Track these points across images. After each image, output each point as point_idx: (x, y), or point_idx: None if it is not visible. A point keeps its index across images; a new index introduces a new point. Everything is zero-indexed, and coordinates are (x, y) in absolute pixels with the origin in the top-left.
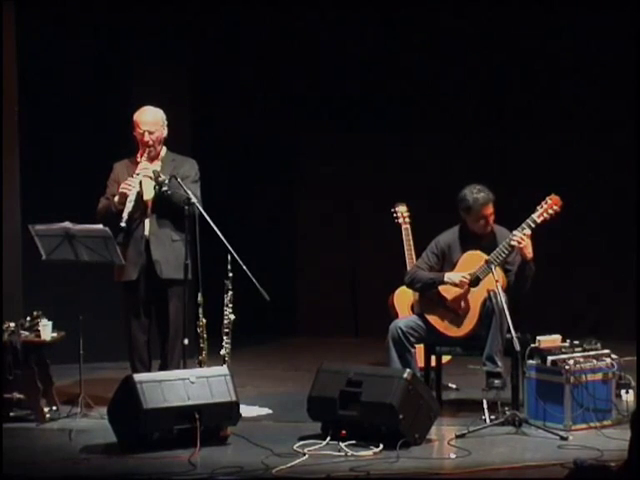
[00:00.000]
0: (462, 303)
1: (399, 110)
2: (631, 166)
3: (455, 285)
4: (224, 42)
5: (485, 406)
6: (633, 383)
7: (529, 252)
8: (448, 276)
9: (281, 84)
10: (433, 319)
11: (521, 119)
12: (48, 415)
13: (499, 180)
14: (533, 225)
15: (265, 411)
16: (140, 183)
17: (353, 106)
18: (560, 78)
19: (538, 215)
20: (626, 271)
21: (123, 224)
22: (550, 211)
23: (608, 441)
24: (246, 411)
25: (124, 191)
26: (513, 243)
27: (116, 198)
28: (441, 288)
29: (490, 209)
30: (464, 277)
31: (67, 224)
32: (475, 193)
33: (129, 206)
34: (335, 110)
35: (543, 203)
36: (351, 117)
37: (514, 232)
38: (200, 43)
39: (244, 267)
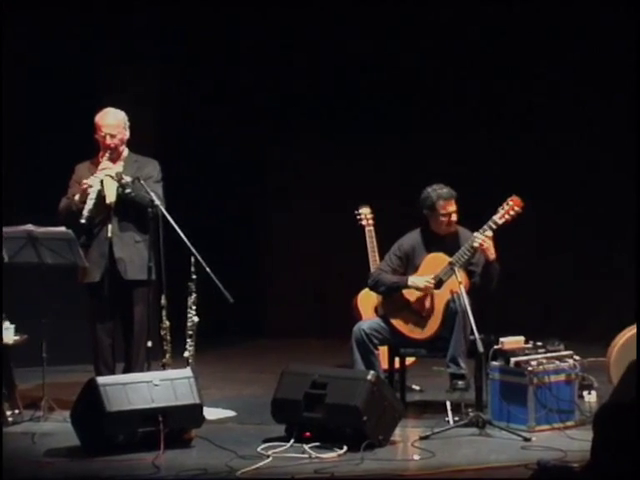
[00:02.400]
0: (425, 305)
1: (363, 114)
2: (600, 169)
3: (419, 290)
4: (191, 43)
5: (449, 407)
6: (596, 384)
7: (492, 253)
8: (412, 280)
9: (250, 86)
10: (397, 322)
11: (484, 121)
12: (11, 419)
13: (463, 181)
14: (494, 226)
15: (229, 413)
16: (102, 184)
17: (321, 112)
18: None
19: (499, 216)
20: (591, 273)
21: (83, 220)
22: (511, 212)
23: (571, 442)
24: (210, 413)
25: (85, 187)
26: (475, 245)
27: (77, 197)
28: (405, 291)
29: (453, 206)
30: (428, 282)
31: (29, 227)
32: (438, 190)
33: (90, 204)
34: (303, 115)
35: (504, 204)
36: (319, 123)
37: (475, 234)
38: (166, 44)
39: (207, 269)
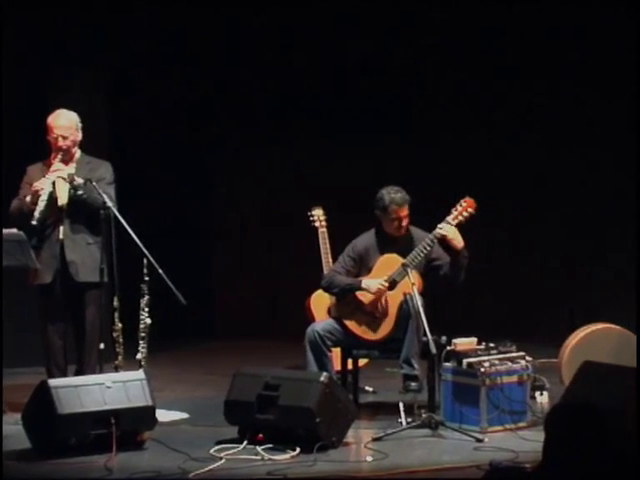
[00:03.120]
0: (379, 307)
1: (315, 116)
2: (553, 170)
3: (372, 292)
4: (144, 45)
5: (402, 409)
6: (548, 385)
7: (459, 241)
8: (365, 283)
9: (201, 89)
10: (350, 323)
11: (433, 122)
12: None
13: (417, 183)
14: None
15: (182, 415)
16: (54, 186)
17: (272, 113)
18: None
19: (453, 217)
20: (543, 274)
21: (34, 222)
22: (465, 213)
23: (523, 443)
24: (163, 415)
25: (36, 188)
26: (438, 235)
27: (28, 198)
28: (358, 292)
29: (406, 211)
30: (381, 284)
31: None
32: (392, 193)
33: (41, 205)
34: (255, 116)
35: (458, 206)
36: (270, 123)
37: (428, 237)
38: (119, 46)
39: (160, 271)
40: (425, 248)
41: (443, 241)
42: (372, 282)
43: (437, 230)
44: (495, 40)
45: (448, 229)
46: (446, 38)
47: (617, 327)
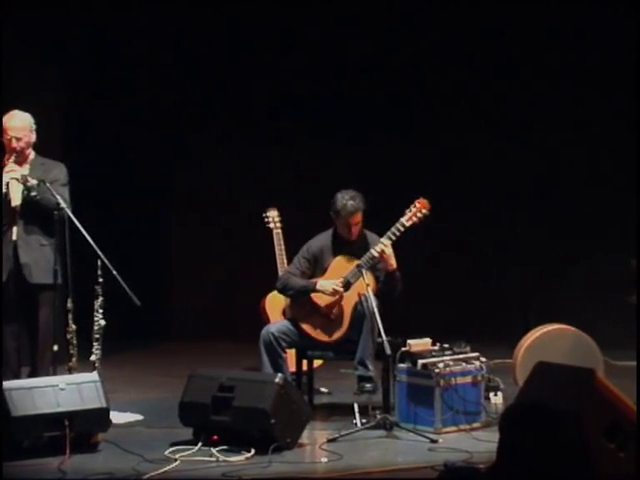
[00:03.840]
0: (333, 308)
1: (269, 118)
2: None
3: (327, 294)
4: (100, 47)
5: (357, 410)
6: (502, 385)
7: (392, 263)
8: (321, 284)
9: (158, 91)
10: (305, 325)
11: (385, 123)
12: None
13: (373, 183)
14: (402, 229)
15: (136, 417)
16: (7, 187)
17: (226, 116)
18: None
19: (407, 219)
20: (498, 275)
21: None
22: (419, 214)
23: (477, 443)
24: (117, 417)
25: None
26: (375, 254)
27: None
28: (313, 294)
29: (357, 219)
30: (336, 285)
31: None
32: (346, 200)
33: None
34: (209, 119)
35: (412, 207)
36: (225, 123)
37: (381, 240)
38: (75, 47)
39: (114, 272)
40: (377, 252)
41: (381, 257)
42: (327, 284)
43: (375, 246)
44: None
45: (387, 248)
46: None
47: (571, 328)
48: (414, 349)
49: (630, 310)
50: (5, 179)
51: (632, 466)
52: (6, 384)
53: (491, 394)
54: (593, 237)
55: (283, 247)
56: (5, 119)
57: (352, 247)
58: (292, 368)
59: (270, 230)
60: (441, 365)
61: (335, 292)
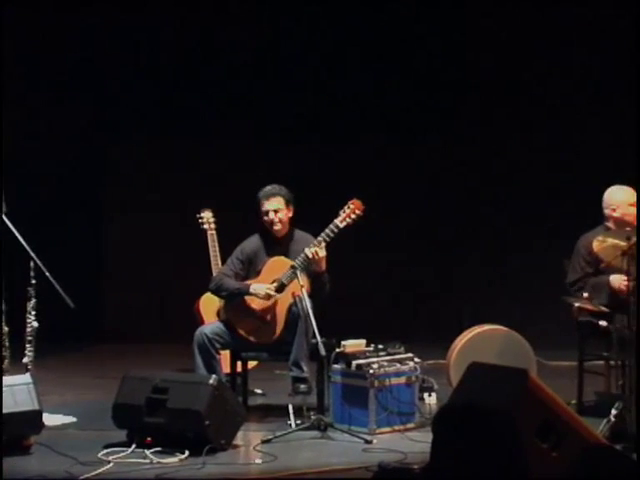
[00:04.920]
0: (268, 309)
1: (203, 118)
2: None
3: (260, 298)
4: (27, 43)
5: (291, 411)
6: (436, 386)
7: (322, 265)
8: (254, 287)
9: (89, 88)
10: (239, 326)
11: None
12: None
13: (307, 184)
14: (336, 230)
15: (69, 419)
16: None
17: (160, 113)
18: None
19: (341, 220)
20: (431, 275)
21: None
22: (353, 216)
23: (412, 444)
24: (50, 420)
25: None
26: (309, 255)
27: None
28: (247, 296)
29: (274, 204)
30: (269, 289)
31: None
32: (267, 187)
33: None
34: (145, 116)
35: (345, 208)
36: (160, 124)
37: (315, 241)
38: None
39: (47, 274)
40: (313, 254)
41: (314, 258)
42: (260, 287)
43: (308, 247)
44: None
45: (320, 250)
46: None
47: (504, 328)
48: (348, 350)
49: (564, 310)
50: None
51: (565, 466)
52: None
53: (425, 395)
54: (527, 238)
55: (217, 248)
56: None
57: (284, 247)
58: (226, 369)
59: (204, 231)
60: (375, 366)
61: (268, 296)
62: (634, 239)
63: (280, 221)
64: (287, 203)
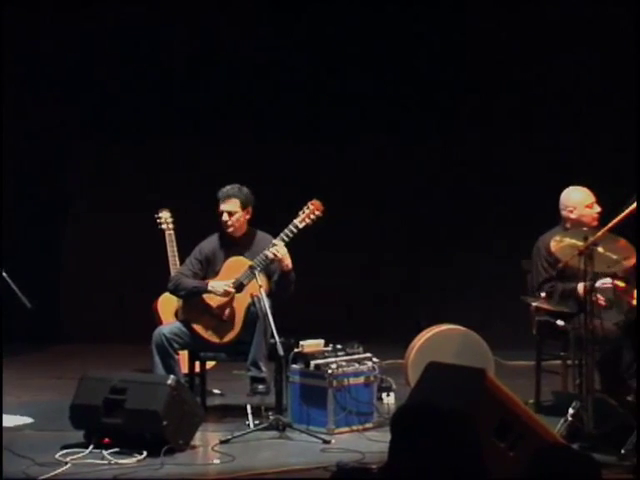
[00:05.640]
0: (226, 309)
1: (161, 117)
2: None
3: (219, 295)
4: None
5: (249, 411)
6: (394, 386)
7: (287, 264)
8: (212, 285)
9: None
10: (197, 326)
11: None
12: None
13: (268, 184)
14: (295, 230)
15: (26, 420)
16: None
17: (119, 114)
18: None
19: (300, 220)
20: (389, 275)
21: None
22: (312, 216)
23: (370, 444)
24: (7, 420)
25: None
26: (269, 255)
27: None
28: (205, 295)
29: (228, 205)
30: (228, 286)
31: None
32: (226, 187)
33: None
34: (102, 117)
35: (305, 208)
36: (117, 125)
37: (274, 241)
38: None
39: (4, 274)
40: (271, 253)
41: (275, 258)
42: (219, 284)
43: (270, 246)
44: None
45: (280, 249)
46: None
47: (461, 328)
48: (307, 350)
49: (522, 310)
50: None
51: (522, 465)
52: None
53: (383, 394)
54: (486, 237)
55: (175, 248)
56: None
57: (242, 247)
58: (184, 369)
59: (162, 231)
60: (334, 366)
61: (226, 293)
62: (591, 239)
63: (234, 223)
64: (244, 205)
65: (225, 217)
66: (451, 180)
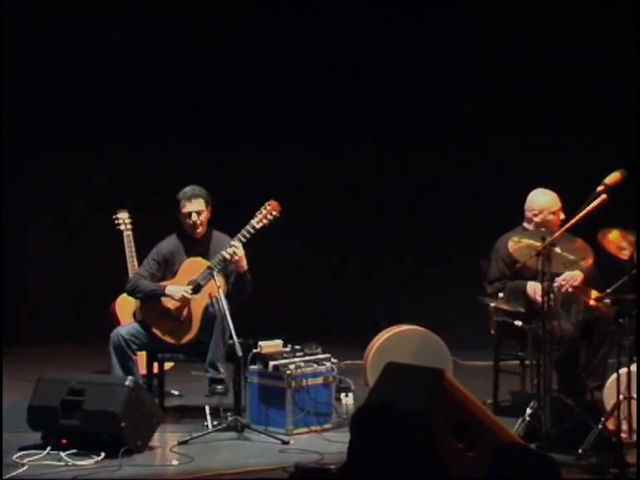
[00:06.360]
0: (184, 310)
1: (119, 119)
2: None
3: (176, 300)
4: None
5: (208, 412)
6: (353, 386)
7: (243, 265)
8: (169, 289)
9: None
10: (155, 327)
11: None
12: None
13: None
14: (253, 231)
15: None
16: None
17: (80, 115)
18: None
19: (257, 221)
20: (348, 275)
21: None
22: (269, 217)
23: (329, 444)
24: None
25: None
26: (226, 256)
27: None
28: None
29: (194, 206)
30: (186, 292)
31: None
32: (187, 188)
33: None
34: (58, 117)
35: (262, 209)
36: (76, 125)
37: (232, 242)
38: None
39: None
40: (229, 254)
41: (232, 259)
42: (176, 289)
43: (227, 247)
44: None
45: (238, 250)
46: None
47: (420, 328)
48: (265, 351)
49: (480, 310)
50: None
51: (481, 465)
52: None
53: (342, 395)
54: (444, 237)
55: (134, 249)
56: None
57: (201, 248)
58: (143, 370)
59: (120, 232)
60: (292, 366)
61: (183, 298)
62: (549, 239)
63: (202, 223)
64: (207, 204)
65: (194, 217)
66: (411, 180)
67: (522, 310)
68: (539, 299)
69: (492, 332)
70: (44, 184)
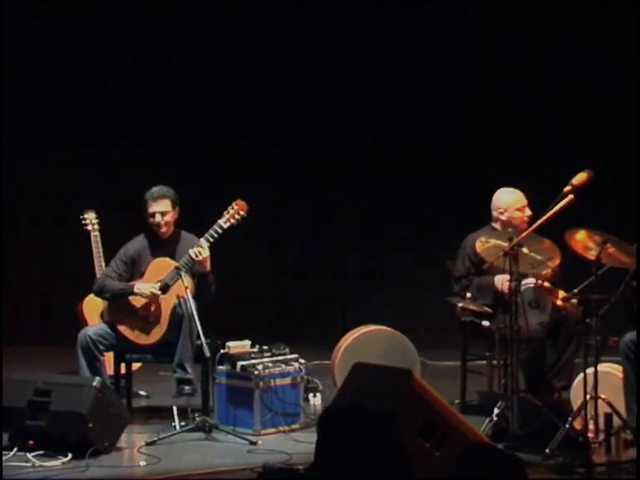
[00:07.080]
0: (152, 310)
1: (91, 120)
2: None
3: (145, 297)
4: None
5: (175, 413)
6: (320, 387)
7: (206, 266)
8: (138, 287)
9: None
10: (123, 328)
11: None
12: None
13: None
14: (220, 230)
15: None
16: None
17: (47, 115)
18: None
19: (225, 220)
20: (316, 275)
21: None
22: (237, 216)
23: (296, 444)
24: None
25: None
26: (192, 256)
27: None
28: (131, 297)
29: (161, 206)
30: (154, 288)
31: None
32: (154, 188)
33: None
34: (38, 120)
35: (230, 208)
36: (54, 127)
37: (199, 242)
38: None
39: None
40: (196, 254)
41: (196, 258)
42: (145, 287)
43: (193, 248)
44: None
45: (203, 250)
46: None
47: (388, 329)
48: (233, 351)
49: (447, 311)
50: None
51: (448, 465)
52: None
53: (310, 395)
54: (412, 238)
55: (101, 249)
56: None
57: (168, 248)
58: (110, 371)
59: (88, 232)
60: (260, 367)
61: (152, 295)
62: (516, 239)
63: (166, 223)
64: (173, 205)
65: (158, 218)
66: (378, 180)
67: (489, 311)
68: (507, 290)
69: (459, 332)
70: (19, 181)
